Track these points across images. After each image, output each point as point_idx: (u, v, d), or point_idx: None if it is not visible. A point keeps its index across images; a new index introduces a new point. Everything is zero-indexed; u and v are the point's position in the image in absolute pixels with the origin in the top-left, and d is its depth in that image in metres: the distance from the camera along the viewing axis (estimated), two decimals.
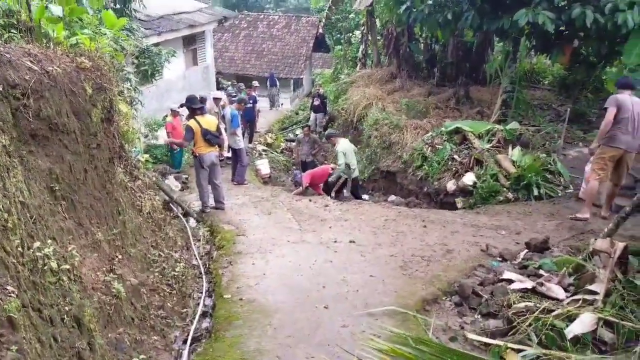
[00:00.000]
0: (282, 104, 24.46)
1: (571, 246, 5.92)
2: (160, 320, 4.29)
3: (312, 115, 16.70)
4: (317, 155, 12.66)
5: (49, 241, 3.22)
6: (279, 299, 4.73)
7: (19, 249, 2.76)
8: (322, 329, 4.12)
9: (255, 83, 17.06)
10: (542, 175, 8.51)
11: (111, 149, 4.82)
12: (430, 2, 11.42)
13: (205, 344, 4.12)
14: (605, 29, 9.08)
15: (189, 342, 4.16)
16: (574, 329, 3.78)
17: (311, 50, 27.11)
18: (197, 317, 4.60)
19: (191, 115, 7.94)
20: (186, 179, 10.54)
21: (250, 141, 14.39)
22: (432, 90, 14.89)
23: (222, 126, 10.29)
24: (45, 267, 2.92)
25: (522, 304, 4.24)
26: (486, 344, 3.99)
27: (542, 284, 4.61)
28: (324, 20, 24.03)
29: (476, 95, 13.74)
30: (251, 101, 14.12)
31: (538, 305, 4.14)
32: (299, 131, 16.44)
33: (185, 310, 4.83)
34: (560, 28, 9.96)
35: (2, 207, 2.75)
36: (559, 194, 8.26)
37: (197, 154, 7.64)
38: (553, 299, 4.39)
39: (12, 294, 2.38)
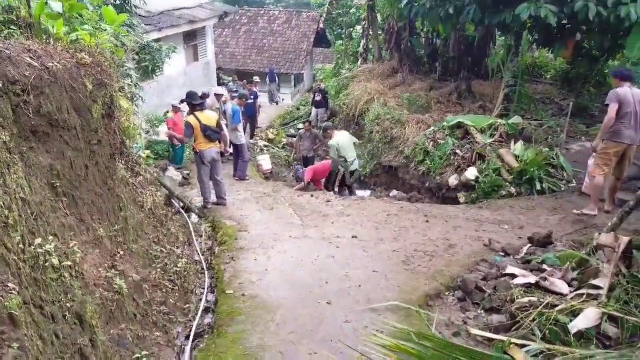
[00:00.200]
0: (282, 99, 24.42)
1: (574, 240, 5.90)
2: (162, 316, 4.28)
3: (314, 110, 16.66)
4: (319, 150, 12.65)
5: (50, 237, 3.21)
6: (281, 294, 4.72)
7: (20, 245, 2.74)
8: (325, 324, 4.11)
9: (256, 78, 17.02)
10: (545, 170, 8.48)
11: (112, 144, 4.80)
12: None
13: (207, 339, 4.12)
14: (608, 22, 9.00)
15: (191, 337, 4.15)
16: (577, 324, 3.76)
17: (312, 45, 27.02)
18: (199, 312, 4.59)
19: (191, 111, 7.91)
20: (187, 174, 10.53)
21: (251, 136, 14.36)
22: (434, 84, 14.84)
23: (223, 122, 10.28)
24: (47, 264, 2.91)
25: (526, 299, 4.22)
26: (489, 339, 3.98)
27: (545, 279, 4.60)
28: (324, 15, 23.98)
29: (478, 90, 13.69)
30: (252, 96, 14.09)
31: (541, 300, 4.12)
32: (300, 126, 16.41)
33: (187, 305, 4.82)
34: (563, 21, 9.89)
35: (3, 203, 2.73)
36: (562, 188, 8.23)
37: (198, 150, 7.62)
38: (556, 293, 4.37)
39: (13, 291, 2.37)
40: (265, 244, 6.18)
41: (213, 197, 8.06)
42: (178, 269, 5.09)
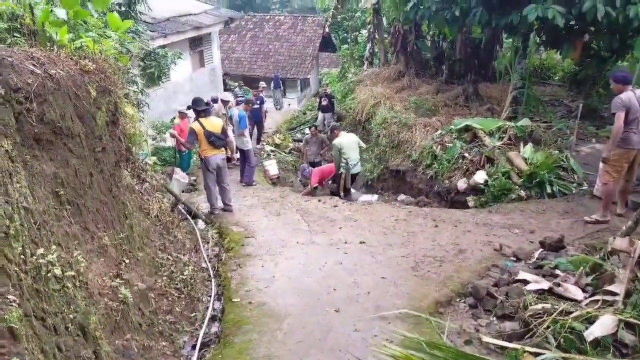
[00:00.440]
0: (289, 104, 24.41)
1: (587, 244, 5.78)
2: (168, 326, 4.22)
3: (320, 115, 16.60)
4: (325, 155, 12.57)
5: (54, 247, 3.15)
6: (288, 302, 4.64)
7: (22, 256, 2.69)
8: (333, 333, 4.03)
9: (262, 84, 16.99)
10: (555, 173, 8.35)
11: (117, 152, 4.76)
12: None
13: (214, 349, 4.05)
14: (616, 22, 8.89)
15: (197, 347, 4.08)
16: (594, 331, 3.65)
17: (318, 50, 26.99)
18: (206, 321, 4.53)
19: (196, 118, 7.90)
20: (194, 181, 10.51)
21: (258, 142, 14.33)
22: (441, 87, 14.75)
23: (230, 127, 10.25)
24: (49, 274, 2.85)
25: (539, 306, 4.12)
26: (502, 348, 3.88)
27: (558, 285, 4.49)
28: (330, 19, 23.92)
29: (485, 92, 13.58)
30: (258, 102, 14.06)
31: (556, 306, 4.01)
32: (307, 131, 16.37)
33: (194, 314, 4.76)
34: (571, 22, 9.78)
35: (4, 213, 2.68)
36: (573, 191, 8.10)
37: (203, 157, 7.61)
38: (571, 300, 4.26)
39: (14, 303, 2.31)
40: (272, 251, 6.11)
41: (220, 204, 8.02)
42: (184, 277, 5.02)
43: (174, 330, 4.25)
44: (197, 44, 16.50)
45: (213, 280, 5.52)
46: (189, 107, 9.80)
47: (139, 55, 8.76)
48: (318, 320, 4.25)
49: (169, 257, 5.16)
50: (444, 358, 3.28)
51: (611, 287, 4.10)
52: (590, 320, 3.80)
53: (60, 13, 5.45)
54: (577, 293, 4.35)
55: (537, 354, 3.63)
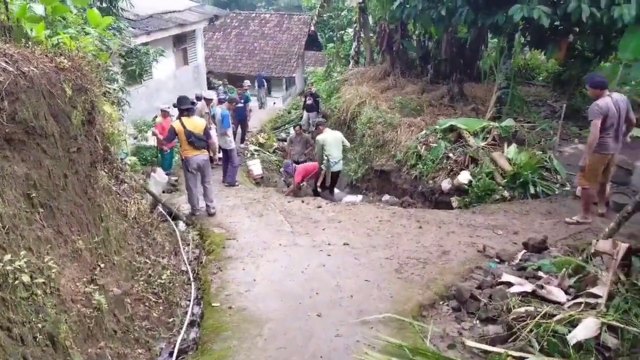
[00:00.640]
0: (274, 103, 24.27)
1: (569, 245, 5.78)
2: (145, 332, 4.10)
3: (305, 114, 16.50)
4: (310, 154, 12.49)
5: (23, 252, 3.03)
6: (270, 306, 4.55)
7: None
8: (315, 339, 3.94)
9: (247, 82, 16.83)
10: (539, 173, 8.38)
11: (93, 152, 4.62)
12: None
13: (191, 357, 3.94)
14: (601, 23, 8.95)
15: (175, 355, 3.97)
16: (577, 335, 3.63)
17: (303, 48, 26.87)
18: (184, 327, 4.41)
19: (179, 116, 7.77)
20: (176, 181, 10.35)
21: (242, 141, 14.20)
22: (426, 87, 14.76)
23: (213, 126, 10.10)
24: (17, 282, 2.73)
25: (522, 309, 4.09)
26: (486, 352, 3.84)
27: (542, 287, 4.47)
28: (315, 18, 23.85)
29: (470, 92, 13.61)
30: (242, 100, 13.92)
31: (539, 309, 3.98)
32: (291, 130, 16.27)
33: (172, 319, 4.64)
34: (555, 23, 9.82)
35: None
36: (556, 192, 8.13)
37: (183, 157, 7.51)
38: (554, 302, 4.24)
39: None
40: (254, 253, 6.00)
41: (202, 204, 7.88)
42: (163, 281, 4.91)
43: (151, 336, 4.13)
44: (181, 41, 16.29)
45: (193, 283, 5.40)
46: (174, 105, 9.65)
47: (119, 52, 8.57)
48: (300, 325, 4.16)
49: (147, 260, 5.03)
50: None
51: (594, 290, 4.09)
52: (573, 324, 3.78)
53: (38, 9, 5.30)
54: (560, 295, 4.33)
55: (520, 358, 3.60)
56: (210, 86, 19.42)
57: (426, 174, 9.55)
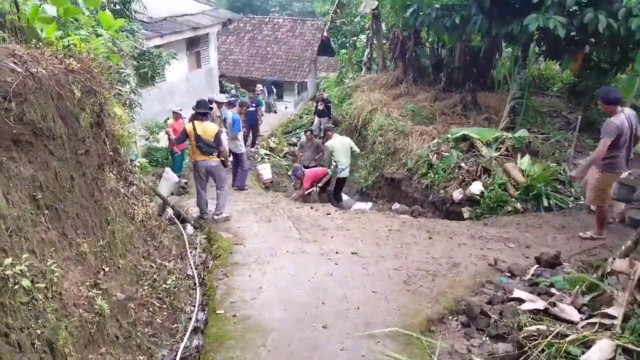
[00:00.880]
0: (285, 107, 24.30)
1: (583, 261, 5.63)
2: (147, 338, 4.04)
3: (316, 119, 16.47)
4: (320, 160, 12.42)
5: (25, 256, 2.98)
6: (275, 315, 4.46)
7: None
8: (320, 351, 3.85)
9: (260, 87, 16.83)
10: (552, 186, 8.24)
11: (101, 154, 4.59)
12: (438, 6, 11.17)
13: None
14: (618, 34, 8.80)
15: None
16: (590, 357, 3.49)
17: (316, 53, 26.89)
18: (187, 334, 4.34)
19: (193, 119, 7.74)
20: (186, 183, 10.32)
21: (252, 145, 14.17)
22: (439, 95, 14.64)
23: (223, 129, 10.08)
24: (17, 286, 2.68)
25: (534, 327, 3.96)
26: None
27: (554, 304, 4.33)
28: (329, 23, 23.86)
29: (484, 102, 13.47)
30: (254, 104, 13.90)
31: (551, 329, 3.85)
32: (302, 135, 16.23)
33: (175, 325, 4.57)
34: (572, 33, 9.68)
35: None
36: (570, 205, 7.97)
37: (193, 160, 7.51)
38: (566, 321, 4.11)
39: None
40: (261, 259, 5.93)
41: (211, 207, 7.83)
42: (168, 286, 4.84)
43: (153, 343, 4.07)
44: (194, 44, 16.32)
45: (198, 289, 5.34)
46: (193, 108, 9.61)
47: (132, 54, 8.58)
48: (304, 336, 4.07)
49: (153, 264, 4.98)
50: None
51: (609, 310, 3.95)
52: (586, 345, 3.65)
53: (50, 10, 5.29)
54: (573, 314, 4.20)
55: None
56: (223, 89, 19.46)
57: (437, 183, 9.44)
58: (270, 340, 4.01)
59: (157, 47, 11.96)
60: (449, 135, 10.34)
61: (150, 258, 5.12)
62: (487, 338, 4.18)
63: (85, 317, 3.40)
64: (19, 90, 3.53)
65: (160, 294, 4.70)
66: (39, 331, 2.69)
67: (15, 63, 3.67)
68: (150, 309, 4.39)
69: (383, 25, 18.42)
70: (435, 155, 10.00)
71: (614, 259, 4.22)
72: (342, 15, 23.82)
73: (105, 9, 7.65)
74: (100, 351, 3.40)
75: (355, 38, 24.61)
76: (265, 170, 12.22)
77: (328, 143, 9.51)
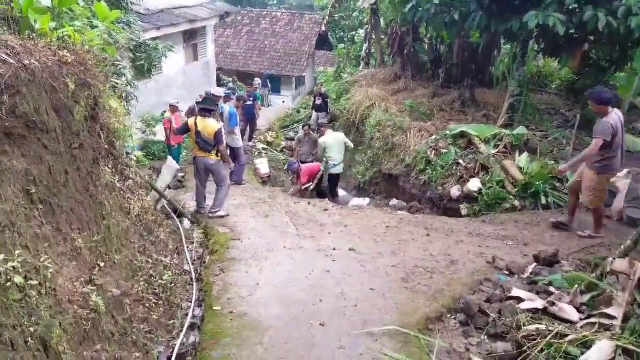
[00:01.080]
0: (283, 102, 24.20)
1: (582, 260, 5.62)
2: (143, 335, 3.99)
3: (314, 114, 16.40)
4: (317, 155, 12.39)
5: (18, 252, 2.92)
6: (272, 313, 4.42)
7: None
8: (317, 350, 3.81)
9: (257, 81, 16.73)
10: (551, 183, 8.21)
11: (96, 148, 4.51)
12: (437, 2, 11.09)
13: None
14: (617, 32, 8.77)
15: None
16: (590, 358, 3.48)
17: (314, 48, 26.79)
18: (183, 331, 4.29)
19: (196, 113, 7.63)
20: (183, 177, 10.26)
21: (250, 139, 14.10)
22: (437, 91, 14.57)
23: (221, 124, 9.99)
24: (10, 284, 2.62)
25: (533, 327, 3.93)
26: None
27: (553, 304, 4.31)
28: (327, 18, 23.72)
29: (482, 98, 13.41)
30: (251, 98, 13.82)
31: (550, 328, 3.83)
32: (300, 130, 16.17)
33: (172, 321, 4.52)
34: (571, 31, 9.64)
35: None
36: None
37: (193, 155, 7.47)
38: (566, 320, 4.09)
39: None
40: (258, 255, 5.88)
41: (209, 202, 7.76)
42: (164, 282, 4.79)
43: (149, 339, 4.02)
44: (192, 37, 16.21)
45: (195, 285, 5.29)
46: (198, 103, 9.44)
47: (128, 46, 8.47)
48: (301, 335, 4.03)
49: (149, 259, 4.92)
50: None
51: (608, 310, 3.93)
52: (586, 345, 3.63)
53: (44, 0, 5.19)
54: (572, 314, 4.17)
55: None
56: (220, 83, 19.34)
57: (435, 180, 9.40)
58: (267, 338, 3.97)
59: (154, 39, 11.85)
60: (447, 132, 10.30)
61: (147, 253, 5.06)
62: (486, 337, 4.16)
63: (80, 313, 3.34)
64: (11, 83, 3.45)
65: (156, 289, 4.65)
66: (32, 329, 2.64)
67: (7, 54, 3.58)
68: (147, 305, 4.33)
69: (382, 20, 18.31)
70: (433, 152, 9.96)
71: (614, 258, 4.19)
72: (341, 10, 23.70)
73: (101, 0, 7.56)
74: (95, 348, 3.35)
75: (354, 33, 24.53)
76: (263, 165, 12.17)
77: (321, 139, 9.59)
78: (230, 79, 21.70)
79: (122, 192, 5.38)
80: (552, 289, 4.78)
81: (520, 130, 9.91)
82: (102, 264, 4.05)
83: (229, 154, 10.00)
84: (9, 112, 3.40)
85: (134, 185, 5.95)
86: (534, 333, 3.86)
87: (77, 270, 3.73)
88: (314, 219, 7.46)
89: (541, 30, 9.95)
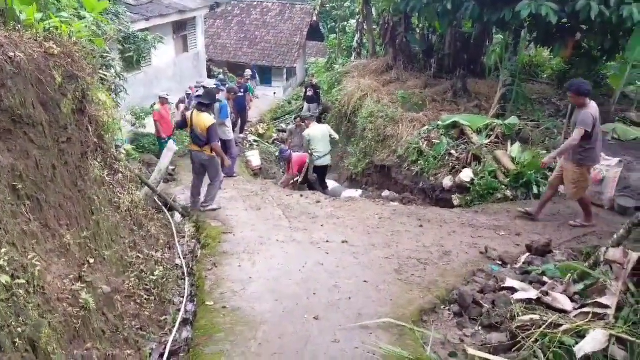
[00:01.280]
0: (274, 93, 24.06)
1: (574, 249, 5.64)
2: (135, 332, 3.94)
3: (305, 105, 16.31)
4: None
5: (5, 249, 2.85)
6: (265, 307, 4.38)
7: None
8: (312, 344, 3.78)
9: (248, 72, 16.58)
10: (542, 173, 8.22)
11: (84, 142, 4.44)
12: None
13: None
14: (610, 22, 8.76)
15: (165, 357, 3.81)
16: (584, 347, 3.47)
17: (305, 38, 26.59)
18: (176, 327, 4.25)
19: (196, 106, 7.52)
20: (173, 170, 10.16)
21: (241, 131, 14.00)
22: (429, 82, 14.52)
23: (212, 116, 9.88)
24: None
25: (527, 317, 3.93)
26: None
27: (547, 293, 4.31)
28: (318, 8, 23.59)
29: (474, 88, 13.38)
30: (242, 90, 13.70)
31: (544, 318, 3.83)
32: (291, 121, 16.08)
33: (164, 317, 4.48)
34: (563, 20, 9.62)
35: None
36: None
37: (189, 149, 7.52)
38: (559, 310, 4.09)
39: None
40: (250, 249, 5.83)
41: (201, 197, 7.68)
42: (155, 277, 4.74)
43: (141, 336, 3.97)
44: (181, 28, 16.03)
45: (187, 279, 5.24)
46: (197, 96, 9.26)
47: (117, 38, 8.35)
48: (296, 329, 3.99)
49: (140, 255, 4.86)
50: None
51: (602, 300, 3.93)
52: (580, 334, 3.63)
53: None
54: (566, 303, 4.17)
55: None
56: (211, 74, 19.17)
57: (427, 171, 9.39)
58: (260, 333, 3.93)
59: (143, 30, 11.69)
60: (440, 123, 10.28)
61: (137, 248, 5.00)
62: (480, 328, 4.15)
63: (70, 311, 3.28)
64: None
65: (147, 285, 4.59)
66: (20, 329, 2.58)
67: None
68: (138, 301, 4.28)
69: (373, 10, 18.19)
70: (425, 143, 9.94)
71: (607, 248, 4.19)
72: (332, 0, 23.52)
73: None
74: (86, 347, 3.29)
75: (345, 23, 24.37)
76: (254, 157, 12.09)
77: (305, 132, 9.54)
78: (221, 70, 21.51)
79: (111, 186, 5.30)
80: (545, 278, 4.78)
81: (512, 120, 9.91)
82: (91, 260, 3.99)
83: (230, 162, 9.94)
84: None
85: (124, 179, 5.86)
86: (528, 323, 3.86)
87: (66, 267, 3.66)
88: (306, 211, 7.42)
89: (533, 20, 9.92)
